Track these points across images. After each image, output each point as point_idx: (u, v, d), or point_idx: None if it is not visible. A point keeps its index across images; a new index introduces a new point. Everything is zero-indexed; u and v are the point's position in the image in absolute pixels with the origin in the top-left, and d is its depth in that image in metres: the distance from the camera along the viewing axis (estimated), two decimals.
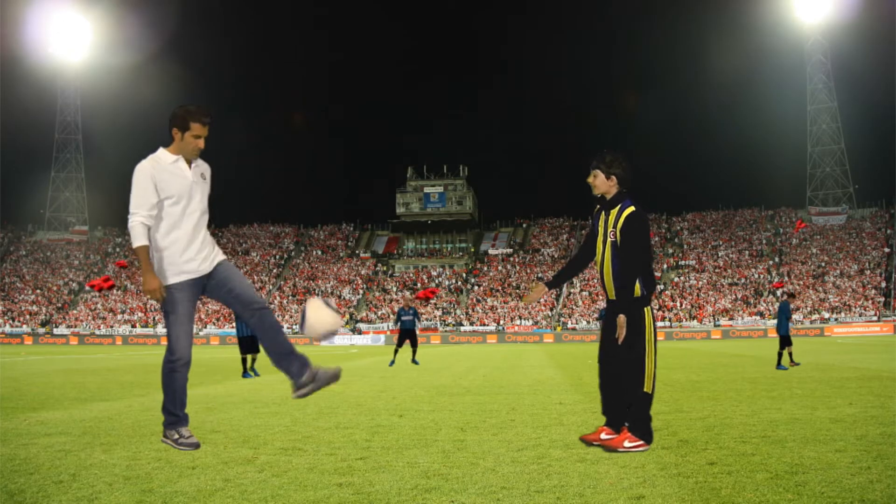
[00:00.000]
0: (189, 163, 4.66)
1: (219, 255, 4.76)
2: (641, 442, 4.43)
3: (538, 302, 64.19)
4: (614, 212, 4.68)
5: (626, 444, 4.39)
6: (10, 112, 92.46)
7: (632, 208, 4.63)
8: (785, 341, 13.93)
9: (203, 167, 4.78)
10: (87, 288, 69.74)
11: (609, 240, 4.66)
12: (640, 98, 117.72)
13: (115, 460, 4.21)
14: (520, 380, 11.06)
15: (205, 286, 4.67)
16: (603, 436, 4.56)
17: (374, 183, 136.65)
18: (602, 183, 4.73)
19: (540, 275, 68.41)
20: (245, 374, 13.14)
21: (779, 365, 13.43)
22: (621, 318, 4.53)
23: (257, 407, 7.02)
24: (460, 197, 78.38)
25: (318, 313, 4.62)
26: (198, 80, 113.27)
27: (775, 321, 59.62)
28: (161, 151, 4.68)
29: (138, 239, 4.48)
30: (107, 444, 4.78)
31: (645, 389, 4.53)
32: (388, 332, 61.09)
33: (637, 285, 4.57)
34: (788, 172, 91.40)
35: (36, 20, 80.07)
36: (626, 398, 4.59)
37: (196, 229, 4.66)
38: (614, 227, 4.63)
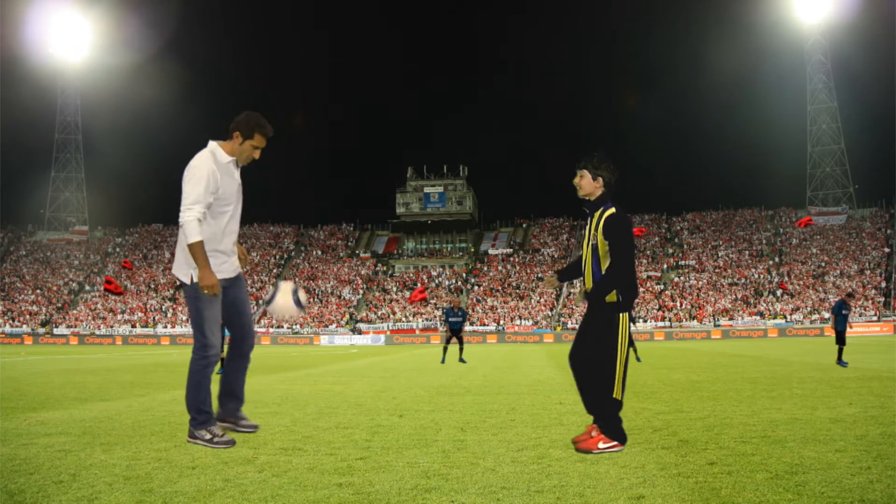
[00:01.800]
0: (237, 165, 4.65)
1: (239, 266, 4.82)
2: (616, 443, 4.45)
3: (538, 302, 64.21)
4: (597, 214, 4.69)
5: (601, 445, 4.41)
6: (10, 112, 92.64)
7: (612, 210, 4.63)
8: (840, 338, 14.26)
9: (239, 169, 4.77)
10: (105, 290, 69.58)
11: (591, 243, 4.67)
12: (640, 98, 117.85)
13: (115, 460, 4.21)
14: (520, 380, 11.05)
15: (224, 290, 4.67)
16: (593, 433, 4.57)
17: (374, 183, 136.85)
18: (588, 184, 4.73)
19: (545, 273, 68.43)
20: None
21: (839, 361, 13.79)
22: (583, 299, 4.64)
23: (257, 407, 7.02)
24: (460, 197, 78.37)
25: (285, 301, 4.73)
26: (198, 80, 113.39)
27: (774, 321, 59.14)
28: (215, 146, 4.57)
29: (194, 234, 4.37)
30: (107, 444, 4.77)
31: (615, 396, 4.54)
32: (388, 332, 61.09)
33: (614, 291, 4.57)
34: (788, 172, 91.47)
35: (36, 20, 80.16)
36: (596, 399, 4.61)
37: (234, 233, 4.71)
38: (595, 229, 4.65)
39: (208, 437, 4.50)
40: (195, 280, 4.50)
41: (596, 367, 4.58)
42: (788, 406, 6.77)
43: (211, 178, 4.43)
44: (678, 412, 6.40)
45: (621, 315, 4.57)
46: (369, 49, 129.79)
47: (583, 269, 4.76)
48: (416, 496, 3.34)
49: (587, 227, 4.77)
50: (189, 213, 4.37)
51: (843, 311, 14.76)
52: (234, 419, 4.80)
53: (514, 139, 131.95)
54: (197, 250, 4.39)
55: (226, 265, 4.67)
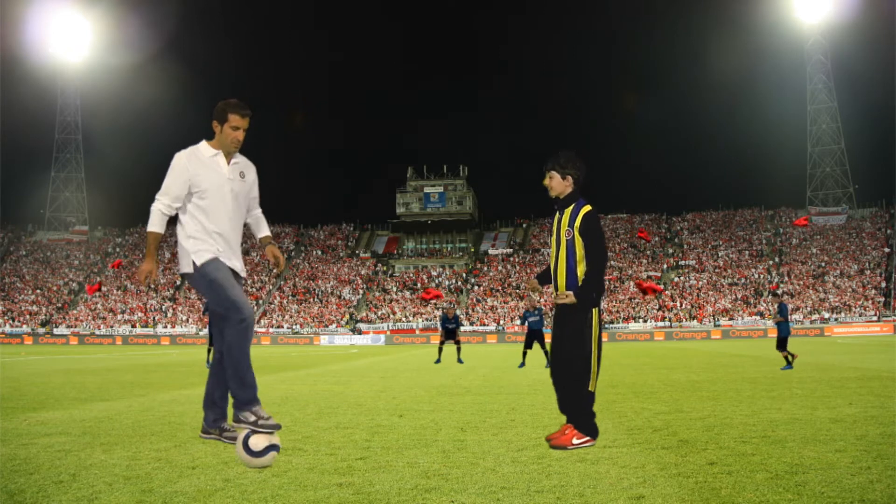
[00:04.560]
0: (229, 159, 4.65)
1: (244, 269, 4.78)
2: (588, 438, 4.55)
3: (538, 302, 64.20)
4: (568, 211, 4.76)
5: (574, 441, 4.49)
6: (10, 112, 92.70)
7: (588, 207, 4.73)
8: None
9: (244, 165, 4.75)
10: (88, 296, 69.63)
11: (564, 239, 4.73)
12: (640, 98, 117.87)
13: (115, 460, 4.21)
14: (520, 380, 11.06)
15: None
16: (568, 432, 4.65)
17: (374, 183, 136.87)
18: (558, 184, 4.80)
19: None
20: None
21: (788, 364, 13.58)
22: (570, 296, 4.62)
23: None
24: (460, 197, 78.37)
25: (239, 453, 4.14)
26: (198, 80, 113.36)
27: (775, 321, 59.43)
28: (203, 144, 4.67)
29: (153, 224, 4.52)
30: (107, 444, 4.77)
31: (589, 388, 4.65)
32: (388, 332, 61.08)
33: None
34: (788, 172, 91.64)
35: (36, 20, 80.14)
36: (571, 396, 4.69)
37: (231, 228, 4.65)
38: (570, 226, 4.71)
39: (252, 418, 4.22)
40: (197, 264, 4.53)
41: (577, 363, 4.66)
42: (788, 406, 6.77)
43: (181, 170, 4.52)
44: (678, 412, 6.40)
45: (594, 310, 4.70)
46: (369, 49, 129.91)
47: (555, 265, 4.81)
48: (416, 496, 3.34)
49: (555, 225, 4.84)
50: (155, 204, 4.53)
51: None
52: (218, 430, 4.73)
53: (514, 139, 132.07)
54: (149, 238, 4.53)
55: (230, 257, 4.65)
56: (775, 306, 14.81)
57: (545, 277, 5.10)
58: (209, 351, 16.21)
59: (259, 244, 5.00)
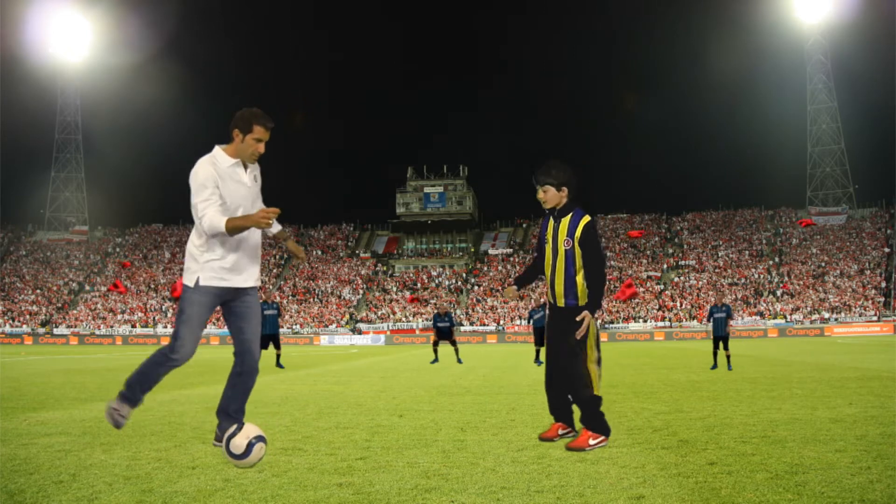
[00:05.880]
0: (245, 167, 4.49)
1: (257, 278, 4.61)
2: (602, 437, 4.60)
3: (536, 302, 64.21)
4: (566, 220, 4.75)
5: (591, 441, 4.53)
6: (10, 112, 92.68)
7: (588, 217, 4.73)
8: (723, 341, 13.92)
9: (255, 169, 4.60)
10: (109, 291, 69.26)
11: (563, 249, 4.72)
12: (640, 98, 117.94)
13: (115, 460, 4.21)
14: (520, 380, 11.06)
15: (227, 301, 4.51)
16: (560, 431, 4.74)
17: (374, 183, 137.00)
18: (553, 196, 4.78)
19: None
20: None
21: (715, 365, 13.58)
22: (588, 317, 4.63)
23: (257, 407, 7.02)
24: (460, 197, 78.38)
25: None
26: (198, 80, 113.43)
27: (774, 321, 58.98)
28: (218, 151, 4.44)
29: (220, 222, 4.19)
30: (107, 444, 4.77)
31: (595, 393, 4.68)
32: (388, 332, 61.07)
33: (584, 292, 4.70)
34: (788, 172, 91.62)
35: (36, 20, 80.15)
36: (573, 399, 4.76)
37: (247, 241, 4.49)
38: (569, 236, 4.70)
39: (114, 406, 4.43)
40: (200, 283, 4.41)
41: (575, 368, 4.68)
42: (788, 406, 6.77)
43: (213, 182, 4.32)
44: (678, 412, 6.40)
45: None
46: (369, 49, 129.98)
47: (552, 274, 4.79)
48: (416, 496, 3.34)
49: (548, 232, 4.83)
50: (205, 219, 4.25)
51: (716, 315, 14.15)
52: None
53: (514, 139, 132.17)
54: (232, 226, 4.22)
55: (231, 273, 4.46)
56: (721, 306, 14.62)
57: (525, 279, 5.15)
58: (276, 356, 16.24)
59: (276, 239, 4.80)
